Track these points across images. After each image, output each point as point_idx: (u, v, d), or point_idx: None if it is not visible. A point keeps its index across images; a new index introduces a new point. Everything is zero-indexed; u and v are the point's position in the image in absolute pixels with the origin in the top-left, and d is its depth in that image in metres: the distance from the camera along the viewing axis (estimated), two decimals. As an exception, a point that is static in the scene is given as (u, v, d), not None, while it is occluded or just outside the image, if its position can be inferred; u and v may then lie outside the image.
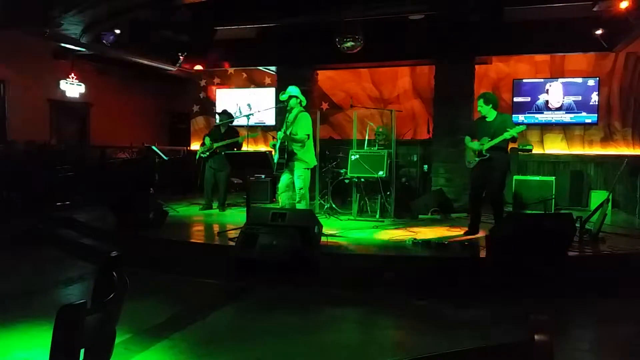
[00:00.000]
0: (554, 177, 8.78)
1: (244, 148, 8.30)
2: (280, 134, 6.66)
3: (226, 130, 8.60)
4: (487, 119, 6.28)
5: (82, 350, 1.61)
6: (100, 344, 1.77)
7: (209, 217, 8.13)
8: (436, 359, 1.19)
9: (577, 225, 5.72)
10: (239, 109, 12.00)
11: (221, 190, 8.62)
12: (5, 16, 7.32)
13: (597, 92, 9.53)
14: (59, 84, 10.81)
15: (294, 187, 6.67)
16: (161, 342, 3.75)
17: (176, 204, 8.89)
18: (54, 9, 6.95)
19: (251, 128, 7.81)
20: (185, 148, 12.67)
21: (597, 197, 8.27)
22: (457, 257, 5.60)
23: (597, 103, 9.55)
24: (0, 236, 7.49)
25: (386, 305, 4.73)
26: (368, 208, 8.00)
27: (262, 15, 8.12)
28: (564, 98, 9.73)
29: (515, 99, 9.90)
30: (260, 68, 11.26)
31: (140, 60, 9.98)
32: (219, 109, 10.63)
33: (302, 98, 6.77)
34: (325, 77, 10.86)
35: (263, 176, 9.59)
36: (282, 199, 6.77)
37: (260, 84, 12.11)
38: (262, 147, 11.57)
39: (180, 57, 9.83)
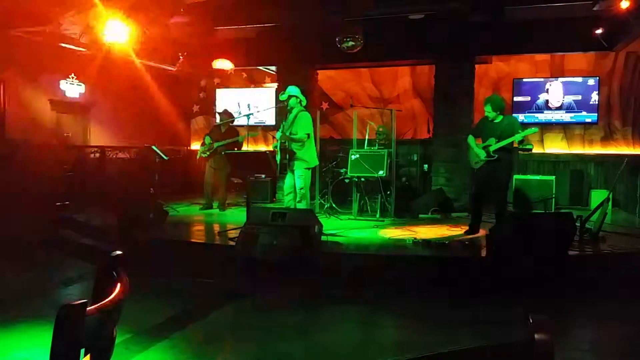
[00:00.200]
0: (554, 177, 8.78)
1: (244, 148, 8.30)
2: (278, 134, 6.66)
3: (226, 129, 8.60)
4: (494, 121, 6.29)
5: (82, 350, 1.61)
6: (101, 343, 1.76)
7: (209, 217, 8.14)
8: (436, 359, 1.19)
9: (578, 224, 5.73)
10: (239, 106, 11.98)
11: (221, 190, 8.62)
12: (5, 15, 7.32)
13: (597, 92, 9.53)
14: (59, 84, 10.80)
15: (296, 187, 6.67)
16: (161, 342, 3.75)
17: (176, 204, 8.89)
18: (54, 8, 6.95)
19: (251, 128, 7.81)
20: (185, 148, 12.67)
21: (598, 196, 8.26)
22: (457, 256, 5.60)
23: (597, 102, 9.55)
24: (0, 236, 7.49)
25: (386, 304, 4.73)
26: (368, 208, 8.01)
27: (262, 15, 8.11)
28: (564, 97, 9.73)
29: (516, 99, 9.89)
30: (260, 68, 11.25)
31: (141, 60, 9.97)
32: (219, 109, 10.63)
33: (302, 98, 6.77)
34: (325, 77, 10.86)
35: (263, 176, 9.59)
36: (287, 200, 6.76)
37: (260, 84, 12.11)
38: (262, 147, 11.57)
39: (180, 57, 9.84)
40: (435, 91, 9.04)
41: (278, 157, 6.62)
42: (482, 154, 6.22)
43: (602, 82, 9.54)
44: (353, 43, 8.18)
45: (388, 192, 7.83)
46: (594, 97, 9.54)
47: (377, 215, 7.72)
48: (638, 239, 6.36)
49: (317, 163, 7.13)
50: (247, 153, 7.71)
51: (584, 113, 9.65)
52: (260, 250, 5.30)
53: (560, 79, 9.76)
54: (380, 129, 8.52)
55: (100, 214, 7.78)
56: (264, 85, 12.01)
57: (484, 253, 5.48)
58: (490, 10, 7.31)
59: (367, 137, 8.35)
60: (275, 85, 10.98)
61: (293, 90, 6.73)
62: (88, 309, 1.57)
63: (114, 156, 11.52)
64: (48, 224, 8.05)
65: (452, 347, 1.22)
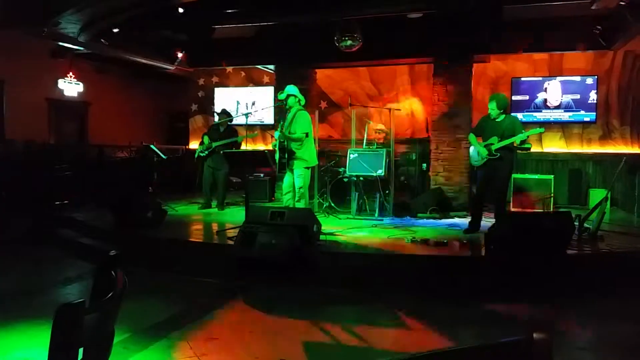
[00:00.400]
0: (552, 176, 8.79)
1: (243, 147, 8.29)
2: (277, 133, 6.65)
3: (225, 129, 8.60)
4: (496, 119, 6.29)
5: (81, 350, 1.61)
6: (99, 343, 1.76)
7: (207, 216, 8.13)
8: (436, 358, 1.19)
9: (576, 223, 5.73)
10: (238, 104, 11.98)
11: (220, 189, 8.61)
12: (3, 15, 7.31)
13: (595, 91, 9.54)
14: (57, 83, 10.79)
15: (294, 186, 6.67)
16: (160, 341, 3.75)
17: (175, 203, 8.88)
18: (52, 7, 6.94)
19: (250, 127, 7.81)
20: (183, 147, 12.66)
21: (596, 195, 8.28)
22: (456, 255, 5.60)
23: (595, 101, 9.56)
24: (-1, 236, 7.49)
25: (385, 303, 4.73)
26: (367, 207, 8.01)
27: (261, 14, 8.11)
28: (562, 96, 9.74)
29: (514, 98, 9.89)
30: (259, 67, 11.24)
31: (139, 59, 9.96)
32: (217, 108, 10.62)
33: (301, 97, 6.77)
34: (323, 76, 10.85)
35: (262, 175, 9.59)
36: (286, 199, 6.76)
37: (258, 83, 12.10)
38: (260, 146, 11.56)
39: (179, 56, 9.83)
40: (433, 90, 9.04)
41: (277, 156, 6.62)
42: (484, 152, 6.22)
43: (601, 81, 9.55)
44: (351, 42, 8.17)
45: (387, 192, 7.83)
46: (592, 96, 9.55)
47: (376, 215, 7.72)
48: (636, 237, 6.37)
49: (317, 163, 7.13)
50: (245, 152, 7.71)
51: (582, 112, 9.66)
52: (258, 249, 5.30)
53: (559, 78, 9.76)
54: (379, 128, 8.52)
55: (98, 213, 7.77)
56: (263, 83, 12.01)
57: (482, 252, 5.48)
58: (489, 10, 7.31)
59: (365, 136, 8.35)
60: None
61: (292, 89, 6.73)
62: (86, 308, 1.57)
63: (113, 155, 11.52)
64: (47, 223, 8.05)
65: (451, 346, 1.22)
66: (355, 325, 4.34)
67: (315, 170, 7.98)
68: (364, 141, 8.31)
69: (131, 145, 11.67)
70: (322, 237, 5.87)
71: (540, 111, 9.86)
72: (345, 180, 8.11)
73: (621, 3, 6.29)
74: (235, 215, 7.72)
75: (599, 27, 7.73)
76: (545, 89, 9.81)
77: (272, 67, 10.63)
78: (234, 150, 7.97)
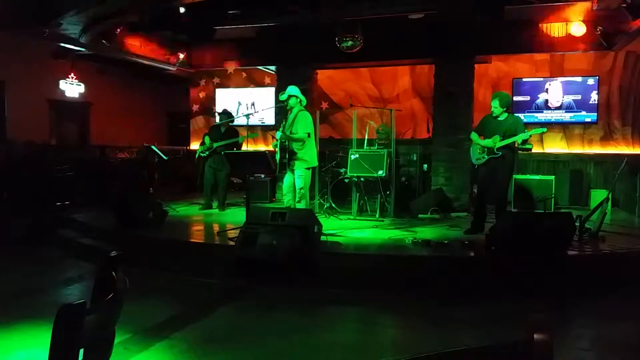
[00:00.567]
0: (553, 176, 8.78)
1: (244, 148, 8.30)
2: (278, 133, 6.65)
3: (226, 129, 8.60)
4: (498, 118, 6.28)
5: (81, 350, 1.61)
6: (100, 343, 1.76)
7: (208, 217, 8.13)
8: (436, 359, 1.19)
9: (577, 224, 5.73)
10: (240, 104, 11.98)
11: (221, 190, 8.62)
12: (5, 16, 7.32)
13: (596, 91, 9.53)
14: (58, 84, 10.81)
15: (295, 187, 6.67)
16: (161, 342, 3.75)
17: (176, 204, 8.89)
18: (54, 9, 6.95)
19: (251, 128, 7.81)
20: (184, 148, 12.67)
21: (597, 196, 8.27)
22: (457, 256, 5.60)
23: (596, 102, 9.55)
24: (0, 236, 7.49)
25: (386, 304, 4.73)
26: (368, 207, 8.00)
27: (262, 15, 8.11)
28: (563, 97, 9.73)
29: (515, 98, 9.89)
30: (260, 67, 11.25)
31: (140, 60, 9.97)
32: (218, 109, 10.62)
33: (302, 98, 6.76)
34: (324, 77, 10.85)
35: (263, 176, 9.58)
36: (286, 200, 6.76)
37: (259, 84, 12.11)
38: (261, 147, 11.57)
39: (180, 56, 9.83)
40: (434, 91, 9.03)
41: (277, 157, 6.62)
42: (490, 143, 6.18)
43: (602, 82, 9.55)
44: (352, 43, 8.17)
45: (387, 192, 7.83)
46: (594, 96, 9.55)
47: (377, 215, 7.72)
48: (638, 238, 6.36)
49: (317, 164, 7.13)
50: (246, 153, 7.71)
51: (583, 113, 9.65)
52: (260, 250, 5.30)
53: (560, 79, 9.76)
54: (380, 129, 8.52)
55: (99, 214, 7.77)
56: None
57: (483, 253, 5.48)
58: (490, 10, 7.31)
59: (366, 137, 8.35)
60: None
61: (293, 90, 6.73)
62: (87, 309, 1.57)
63: (114, 156, 11.53)
64: (48, 223, 8.05)
65: (452, 347, 1.22)
66: (356, 326, 4.34)
67: (316, 171, 7.98)
68: (365, 142, 8.30)
69: (132, 146, 11.68)
70: (323, 237, 5.86)
71: (542, 112, 9.86)
72: (346, 181, 8.11)
73: (622, 4, 6.29)
74: (236, 216, 7.72)
75: (601, 28, 7.72)
76: (547, 89, 9.81)
77: (273, 67, 10.63)
78: (234, 150, 7.98)
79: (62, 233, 7.60)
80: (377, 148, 8.11)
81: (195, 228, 7.42)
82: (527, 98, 9.92)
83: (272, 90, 11.37)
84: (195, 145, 11.97)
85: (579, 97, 9.64)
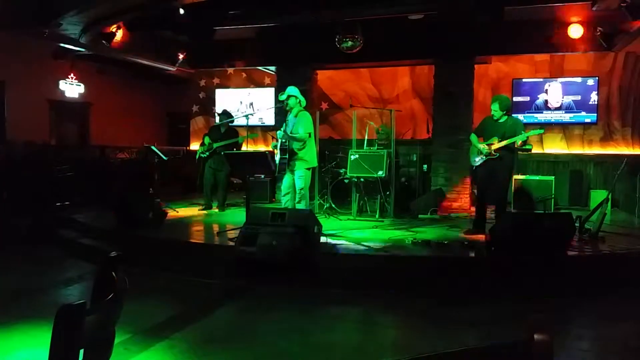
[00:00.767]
0: (553, 177, 8.78)
1: (244, 148, 8.30)
2: (280, 133, 6.65)
3: (226, 130, 8.60)
4: (498, 120, 6.30)
5: (82, 350, 1.61)
6: (100, 344, 1.77)
7: (208, 217, 8.14)
8: (436, 359, 1.19)
9: (577, 224, 5.73)
10: (240, 104, 11.98)
11: (221, 190, 8.62)
12: (4, 16, 7.32)
13: (596, 92, 9.54)
14: (58, 84, 10.80)
15: (295, 187, 6.66)
16: (161, 342, 3.75)
17: (176, 204, 8.89)
18: (54, 9, 6.95)
19: (250, 128, 7.81)
20: (184, 148, 12.67)
21: (597, 196, 8.27)
22: (457, 256, 5.60)
23: (596, 102, 9.56)
24: (0, 236, 7.49)
25: (386, 304, 4.73)
26: (367, 208, 8.00)
27: (262, 15, 8.11)
28: (563, 97, 9.74)
29: (515, 99, 9.90)
30: (260, 68, 11.25)
31: (140, 60, 9.97)
32: (218, 109, 10.63)
33: (302, 98, 6.76)
34: (324, 77, 10.86)
35: (263, 176, 9.58)
36: (285, 200, 6.75)
37: (259, 84, 12.12)
38: (261, 147, 11.57)
39: (180, 57, 9.83)
40: (434, 91, 9.04)
41: (277, 157, 6.62)
42: (485, 150, 6.21)
43: (602, 82, 9.56)
44: (352, 43, 8.17)
45: (387, 193, 7.83)
46: (594, 97, 9.55)
47: (377, 216, 7.72)
48: (638, 239, 6.36)
49: (317, 164, 7.12)
50: (246, 153, 7.71)
51: (583, 113, 9.66)
52: (259, 250, 5.30)
53: (560, 79, 9.77)
54: (380, 129, 8.52)
55: (99, 214, 7.77)
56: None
57: (483, 253, 5.48)
58: (490, 10, 7.30)
59: (366, 138, 8.35)
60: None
61: (292, 90, 6.72)
62: (87, 309, 1.57)
63: (114, 156, 11.53)
64: (48, 223, 8.06)
65: (452, 347, 1.23)
66: (356, 326, 4.34)
67: (316, 171, 7.98)
68: (365, 142, 8.30)
69: (132, 146, 11.68)
70: (322, 238, 5.86)
71: (541, 112, 9.86)
72: (346, 181, 8.11)
73: (622, 4, 6.29)
74: (236, 217, 7.72)
75: (600, 29, 7.73)
76: (546, 90, 9.82)
77: (273, 68, 10.63)
78: (234, 151, 7.98)
79: (62, 233, 7.60)
80: (377, 148, 8.11)
81: (195, 228, 7.42)
82: (527, 98, 9.92)
83: (271, 90, 11.38)
84: (195, 146, 11.98)
85: (578, 97, 9.64)
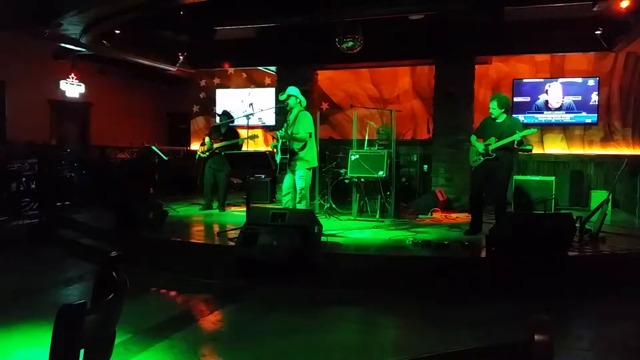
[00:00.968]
0: (553, 177, 8.78)
1: (244, 148, 8.30)
2: (280, 133, 6.64)
3: (226, 130, 8.61)
4: (497, 120, 6.29)
5: (82, 351, 1.61)
6: (100, 344, 1.77)
7: (208, 217, 8.13)
8: (436, 359, 1.19)
9: (577, 225, 5.73)
10: (242, 103, 11.97)
11: (221, 191, 8.62)
12: (5, 16, 7.32)
13: (597, 92, 9.54)
14: (59, 84, 10.81)
15: (296, 187, 6.66)
16: (161, 342, 3.75)
17: (176, 204, 8.89)
18: (54, 9, 6.95)
19: (251, 128, 7.81)
20: (185, 148, 12.68)
21: (597, 197, 8.27)
22: (457, 257, 5.60)
23: (597, 103, 9.55)
24: (0, 236, 7.49)
25: (386, 305, 4.73)
26: (368, 208, 8.00)
27: (262, 15, 8.11)
28: (563, 98, 9.74)
29: (515, 99, 9.89)
30: (260, 68, 11.26)
31: (140, 61, 9.98)
32: (219, 109, 10.64)
33: (302, 98, 6.76)
34: (325, 77, 10.86)
35: (263, 176, 9.59)
36: (285, 200, 6.75)
37: (260, 84, 12.12)
38: (262, 148, 11.58)
39: (180, 57, 9.83)
40: (435, 92, 9.05)
41: (278, 157, 6.62)
42: (482, 148, 6.21)
43: (602, 83, 9.55)
44: (353, 43, 8.17)
45: (388, 193, 7.83)
46: (594, 97, 9.55)
47: (377, 216, 7.72)
48: (638, 239, 6.35)
49: (317, 164, 7.12)
50: (246, 153, 7.71)
51: (583, 113, 9.65)
52: (260, 250, 5.30)
53: (560, 80, 9.76)
54: (380, 130, 8.52)
55: (100, 214, 7.77)
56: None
57: (483, 253, 5.48)
58: (490, 11, 7.30)
59: (367, 138, 8.35)
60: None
61: (293, 90, 6.73)
62: (87, 309, 1.57)
63: (114, 156, 11.54)
64: (48, 223, 8.06)
65: (452, 348, 1.22)
66: (356, 327, 4.34)
67: (316, 171, 7.98)
68: (365, 142, 8.30)
69: (132, 146, 11.68)
70: (323, 238, 5.86)
71: (542, 112, 9.86)
72: (347, 181, 8.11)
73: (622, 4, 6.29)
74: (236, 217, 7.72)
75: (601, 29, 7.73)
76: (547, 90, 9.82)
77: (273, 68, 10.64)
78: (234, 151, 7.97)
79: (63, 233, 7.60)
80: (378, 149, 8.11)
81: (195, 228, 7.42)
82: (528, 99, 9.92)
83: (272, 90, 11.39)
84: (195, 146, 11.98)
85: (579, 98, 9.64)
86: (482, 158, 6.27)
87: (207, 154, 8.50)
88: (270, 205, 8.67)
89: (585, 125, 9.73)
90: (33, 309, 4.44)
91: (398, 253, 5.67)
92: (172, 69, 10.29)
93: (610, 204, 6.75)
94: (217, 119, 9.71)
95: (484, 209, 6.68)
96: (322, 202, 8.36)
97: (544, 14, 7.94)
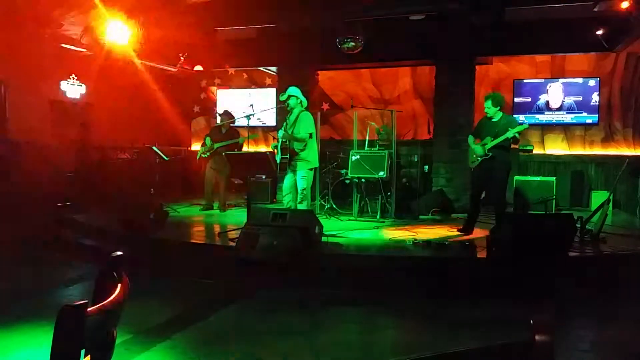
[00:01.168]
0: (554, 178, 8.77)
1: (245, 149, 8.30)
2: (281, 132, 6.64)
3: (227, 130, 8.61)
4: (493, 119, 6.29)
5: (83, 351, 1.61)
6: (101, 344, 1.76)
7: (209, 218, 8.14)
8: (436, 359, 1.19)
9: (578, 225, 5.72)
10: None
11: (222, 191, 8.62)
12: (6, 16, 7.33)
13: (597, 93, 9.53)
14: (59, 85, 10.82)
15: (297, 188, 6.65)
16: (162, 342, 3.75)
17: (177, 205, 8.89)
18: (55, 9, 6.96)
19: (251, 129, 7.81)
20: (185, 149, 12.67)
21: (598, 197, 8.26)
22: (457, 257, 5.59)
23: (597, 103, 9.55)
24: (0, 237, 7.50)
25: (386, 305, 4.73)
26: (369, 208, 8.00)
27: (263, 16, 8.12)
28: (564, 98, 9.73)
29: (516, 100, 9.89)
30: (261, 68, 11.26)
31: (142, 61, 9.98)
32: (219, 110, 10.64)
33: (303, 99, 6.75)
34: (325, 78, 10.86)
35: (263, 177, 9.59)
36: (286, 201, 6.75)
37: (260, 85, 12.12)
38: (262, 148, 11.58)
39: (181, 58, 9.84)
40: (435, 92, 9.04)
41: (278, 157, 6.61)
42: (479, 150, 6.22)
43: (603, 83, 9.54)
44: (353, 44, 8.18)
45: (388, 193, 7.82)
46: (595, 98, 9.54)
47: (378, 216, 7.72)
48: (638, 240, 6.35)
49: (318, 165, 7.12)
50: (247, 153, 7.71)
51: (584, 114, 9.65)
52: (260, 250, 5.30)
53: (561, 80, 9.76)
54: (381, 130, 8.52)
55: (101, 215, 7.78)
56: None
57: (484, 254, 5.48)
58: (491, 11, 7.31)
59: (367, 138, 8.35)
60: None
61: (294, 90, 6.72)
62: (88, 309, 1.57)
63: (115, 157, 11.53)
64: (49, 224, 8.06)
65: (452, 348, 1.23)
66: (357, 327, 4.34)
67: (317, 172, 7.98)
68: (366, 143, 8.31)
69: (133, 147, 11.67)
70: (323, 238, 5.87)
71: (543, 113, 9.86)
72: (347, 182, 8.11)
73: (623, 5, 6.29)
74: (236, 217, 7.72)
75: (602, 29, 7.72)
76: (548, 90, 9.81)
77: (274, 68, 10.64)
78: (235, 151, 7.98)
79: (63, 234, 7.60)
80: (378, 149, 8.11)
81: (196, 229, 7.42)
82: (528, 99, 9.91)
83: (272, 91, 11.39)
84: (196, 146, 11.98)
85: (580, 98, 9.63)
86: (479, 159, 6.27)
87: (208, 154, 8.51)
88: (271, 206, 8.67)
89: (586, 126, 9.72)
90: (33, 309, 4.44)
91: (398, 253, 5.67)
92: (173, 69, 10.29)
93: (611, 204, 6.74)
94: (218, 119, 9.71)
95: (484, 208, 6.69)
96: (323, 202, 8.36)
97: (545, 14, 7.94)
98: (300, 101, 6.70)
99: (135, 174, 10.69)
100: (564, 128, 9.85)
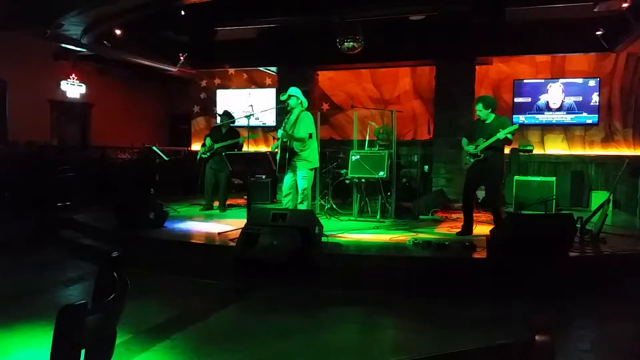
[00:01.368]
0: (554, 178, 8.77)
1: (245, 149, 8.30)
2: (280, 132, 6.63)
3: (227, 130, 8.61)
4: (486, 121, 6.29)
5: (83, 351, 1.61)
6: (101, 344, 1.77)
7: (209, 218, 8.13)
8: (436, 359, 1.19)
9: (578, 225, 5.72)
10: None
11: (222, 191, 8.62)
12: (6, 17, 7.33)
13: (597, 93, 9.53)
14: (59, 85, 10.83)
15: (297, 188, 6.65)
16: (162, 342, 3.75)
17: (177, 205, 8.89)
18: (55, 9, 6.96)
19: (252, 129, 7.82)
20: (185, 148, 12.68)
21: (598, 197, 8.26)
22: (457, 257, 5.59)
23: (597, 103, 9.55)
24: (0, 236, 7.50)
25: (386, 305, 4.73)
26: (369, 208, 8.00)
27: (263, 16, 8.12)
28: (564, 98, 9.73)
29: (516, 100, 9.90)
30: (261, 69, 11.27)
31: (141, 61, 9.98)
32: (219, 110, 10.64)
33: (303, 99, 6.75)
34: (325, 78, 10.86)
35: (264, 177, 9.59)
36: (286, 201, 6.74)
37: (261, 85, 12.12)
38: (262, 148, 11.58)
39: (181, 58, 9.84)
40: (435, 92, 9.05)
41: (278, 157, 6.61)
42: (472, 149, 6.22)
43: (603, 83, 9.55)
44: (353, 44, 8.17)
45: (388, 193, 7.82)
46: (595, 98, 9.55)
47: (378, 216, 7.72)
48: (638, 240, 6.35)
49: (318, 165, 7.12)
50: (247, 153, 7.71)
51: (584, 114, 9.65)
52: (260, 250, 5.30)
53: (561, 80, 9.76)
54: (381, 130, 8.53)
55: (100, 215, 7.77)
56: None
57: (484, 254, 5.47)
58: (491, 11, 7.31)
59: (367, 138, 8.35)
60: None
61: (294, 91, 6.72)
62: (88, 309, 1.57)
63: (115, 156, 11.54)
64: (49, 224, 8.06)
65: (452, 348, 1.23)
66: (357, 327, 4.34)
67: (317, 172, 7.97)
68: (366, 143, 8.31)
69: (133, 147, 11.69)
70: (323, 238, 5.86)
71: (543, 113, 9.86)
72: (347, 182, 8.11)
73: (623, 5, 6.29)
74: (236, 217, 7.71)
75: (602, 29, 7.73)
76: (548, 91, 9.81)
77: (274, 69, 10.64)
78: (235, 151, 7.98)
79: (64, 234, 7.60)
80: (378, 149, 8.11)
81: (196, 228, 7.41)
82: (528, 99, 9.91)
83: (273, 91, 11.39)
84: (196, 146, 11.98)
85: (580, 98, 9.64)
86: (472, 160, 6.27)
87: (208, 154, 8.51)
88: (271, 206, 8.67)
89: (586, 126, 9.72)
90: (33, 309, 4.44)
91: (398, 253, 5.66)
92: (173, 69, 10.30)
93: (611, 204, 6.74)
94: (218, 120, 9.71)
95: (483, 209, 6.68)
96: (323, 202, 8.36)
97: (545, 14, 7.94)
98: (301, 101, 6.70)
99: (136, 174, 10.69)
100: (564, 128, 9.85)
